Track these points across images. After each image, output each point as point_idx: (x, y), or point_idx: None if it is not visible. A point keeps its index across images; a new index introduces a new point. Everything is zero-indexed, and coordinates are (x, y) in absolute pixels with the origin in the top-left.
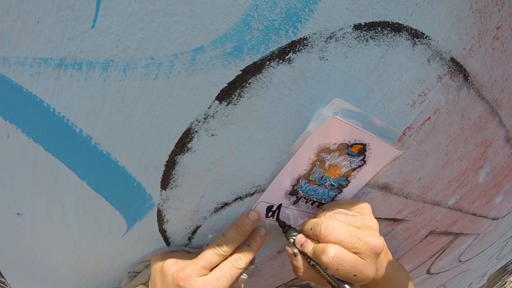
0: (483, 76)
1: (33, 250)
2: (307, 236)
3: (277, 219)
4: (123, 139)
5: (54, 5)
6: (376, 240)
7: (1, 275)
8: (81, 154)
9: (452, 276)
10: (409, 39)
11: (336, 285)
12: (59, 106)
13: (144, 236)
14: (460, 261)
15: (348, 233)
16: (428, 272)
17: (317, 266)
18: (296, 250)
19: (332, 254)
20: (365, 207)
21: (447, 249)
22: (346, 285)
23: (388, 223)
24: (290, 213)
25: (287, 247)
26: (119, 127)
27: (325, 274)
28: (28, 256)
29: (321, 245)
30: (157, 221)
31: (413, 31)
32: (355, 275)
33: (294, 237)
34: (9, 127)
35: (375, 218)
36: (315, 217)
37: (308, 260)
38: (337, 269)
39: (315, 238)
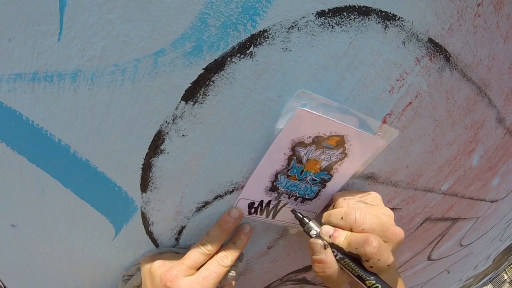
0: (466, 56)
1: (32, 259)
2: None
3: (293, 211)
4: (99, 145)
5: (23, 22)
6: (399, 230)
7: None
8: (63, 163)
9: (455, 260)
10: (379, 22)
11: (367, 278)
12: (37, 118)
13: (133, 239)
14: (461, 245)
15: (379, 222)
16: (429, 259)
17: (345, 260)
18: (325, 242)
19: (376, 243)
20: (378, 197)
21: (446, 235)
22: (373, 277)
23: None
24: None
25: (313, 241)
26: (94, 134)
27: (354, 267)
28: (28, 266)
29: (359, 235)
30: (143, 223)
31: (383, 13)
32: (388, 265)
33: (316, 230)
34: None
35: None
36: (331, 206)
37: (335, 253)
38: (379, 260)
39: (347, 228)
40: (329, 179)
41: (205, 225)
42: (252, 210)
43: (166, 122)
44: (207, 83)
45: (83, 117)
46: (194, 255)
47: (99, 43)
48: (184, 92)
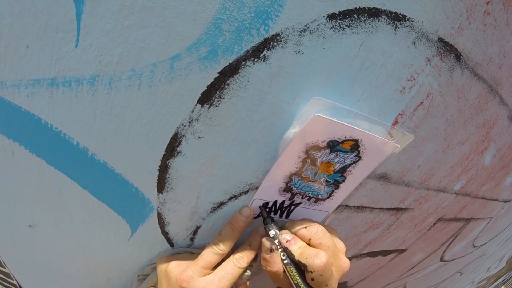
0: (476, 55)
1: (47, 259)
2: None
3: (261, 207)
4: (117, 148)
5: (40, 29)
6: (347, 261)
7: (20, 287)
8: (81, 165)
9: (468, 262)
10: (389, 23)
11: None
12: (55, 122)
13: (148, 239)
14: (474, 246)
15: (334, 245)
16: (441, 260)
17: (290, 266)
18: (273, 246)
19: (325, 259)
20: (336, 231)
21: (459, 235)
22: None
23: (391, 213)
24: (303, 212)
25: (263, 241)
26: (112, 137)
27: (296, 275)
28: (44, 265)
29: (312, 248)
30: (159, 224)
31: (393, 14)
32: (326, 285)
33: (275, 231)
34: (13, 145)
35: (377, 208)
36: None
37: (284, 257)
38: (321, 275)
39: (306, 238)
40: (343, 180)
41: (219, 225)
42: (267, 210)
43: (182, 124)
44: (222, 86)
45: (101, 121)
46: (208, 255)
47: (116, 49)
48: (200, 95)
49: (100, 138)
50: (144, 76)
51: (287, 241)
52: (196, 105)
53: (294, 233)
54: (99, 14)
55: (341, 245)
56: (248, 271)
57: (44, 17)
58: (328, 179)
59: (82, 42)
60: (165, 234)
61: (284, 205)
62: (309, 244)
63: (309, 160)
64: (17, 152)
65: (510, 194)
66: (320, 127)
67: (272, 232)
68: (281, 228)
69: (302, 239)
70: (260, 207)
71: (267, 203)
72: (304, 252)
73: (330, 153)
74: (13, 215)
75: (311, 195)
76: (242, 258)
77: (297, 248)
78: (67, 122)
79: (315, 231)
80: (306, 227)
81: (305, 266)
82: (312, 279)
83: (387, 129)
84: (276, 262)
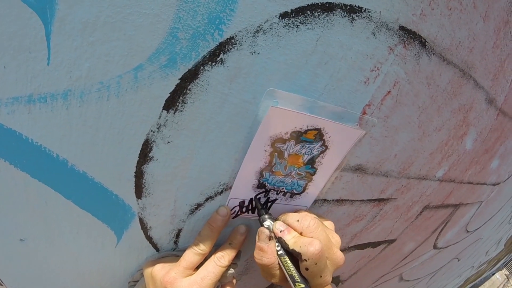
0: (443, 40)
1: (41, 272)
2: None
3: (255, 198)
4: (94, 157)
5: (15, 51)
6: (341, 255)
7: None
8: (62, 176)
9: (464, 247)
10: (345, 16)
11: (298, 280)
12: (35, 136)
13: (134, 245)
14: (467, 231)
15: (327, 238)
16: (435, 247)
17: (284, 257)
18: (272, 234)
19: (319, 247)
20: (332, 225)
21: (449, 222)
22: (304, 282)
23: (373, 204)
24: (280, 208)
25: (261, 229)
26: (88, 147)
27: (290, 266)
28: (38, 278)
29: (306, 237)
30: (142, 229)
31: (348, 7)
32: (321, 276)
33: (269, 223)
34: None
35: (357, 200)
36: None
37: (278, 248)
38: (316, 264)
39: (299, 230)
40: (314, 172)
41: (200, 226)
42: (244, 209)
43: (151, 131)
44: (184, 91)
45: (77, 132)
46: (189, 256)
47: (84, 64)
48: (164, 102)
49: (77, 149)
50: (112, 88)
51: (280, 231)
52: (162, 111)
53: (287, 225)
54: (66, 33)
55: (336, 239)
56: (231, 269)
57: (17, 39)
58: (299, 172)
59: (53, 60)
60: (149, 239)
61: (260, 203)
62: None
63: (276, 153)
64: (2, 168)
65: (498, 177)
66: (280, 118)
67: (266, 223)
68: (274, 220)
69: (295, 231)
70: (254, 199)
71: (244, 201)
72: (298, 241)
73: (295, 145)
74: (4, 231)
75: (286, 190)
76: (223, 257)
77: (291, 238)
78: (46, 136)
79: (306, 224)
80: (298, 220)
81: (299, 254)
82: (307, 269)
83: (350, 117)
84: (273, 252)
